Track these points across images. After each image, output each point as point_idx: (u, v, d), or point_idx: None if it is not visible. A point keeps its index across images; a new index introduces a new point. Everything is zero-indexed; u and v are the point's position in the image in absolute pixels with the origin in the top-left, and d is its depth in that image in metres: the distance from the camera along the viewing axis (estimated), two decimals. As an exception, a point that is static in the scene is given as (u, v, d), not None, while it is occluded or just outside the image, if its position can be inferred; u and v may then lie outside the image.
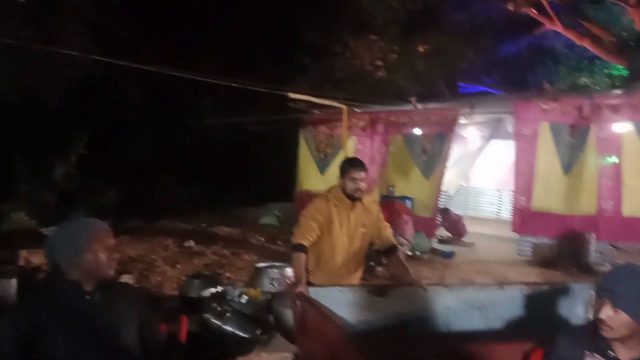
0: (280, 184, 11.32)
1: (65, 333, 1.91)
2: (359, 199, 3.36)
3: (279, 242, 8.72)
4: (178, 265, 6.99)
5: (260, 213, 10.92)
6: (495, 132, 9.53)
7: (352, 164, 3.37)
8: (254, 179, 13.31)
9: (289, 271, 5.17)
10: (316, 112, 10.13)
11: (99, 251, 2.03)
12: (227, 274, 6.62)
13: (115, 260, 2.11)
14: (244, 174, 13.53)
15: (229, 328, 4.08)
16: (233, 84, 8.43)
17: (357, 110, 9.65)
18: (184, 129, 14.03)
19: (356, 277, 3.56)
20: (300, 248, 3.24)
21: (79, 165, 10.22)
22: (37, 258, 6.88)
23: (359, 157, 6.14)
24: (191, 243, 8.19)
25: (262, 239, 8.88)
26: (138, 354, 2.08)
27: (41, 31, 10.13)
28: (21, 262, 6.59)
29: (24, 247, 7.40)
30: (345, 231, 3.37)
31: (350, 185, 3.30)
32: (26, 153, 9.43)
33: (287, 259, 5.77)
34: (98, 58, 8.98)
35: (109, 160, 11.84)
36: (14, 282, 5.11)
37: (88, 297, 2.03)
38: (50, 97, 11.28)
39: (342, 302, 3.11)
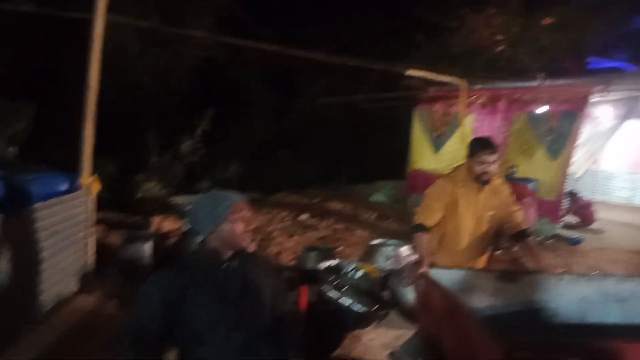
0: (392, 162, 11.22)
1: (203, 299, 2.00)
2: (487, 182, 3.21)
3: (390, 220, 8.67)
4: (294, 237, 7.22)
5: (371, 190, 10.93)
6: (629, 111, 8.70)
7: (481, 145, 3.19)
8: (365, 157, 13.33)
9: (404, 249, 5.11)
10: (432, 89, 9.83)
11: (236, 222, 2.09)
12: (341, 249, 6.72)
13: (251, 232, 2.17)
14: (356, 151, 13.60)
15: (346, 301, 4.14)
16: (349, 63, 8.41)
17: (476, 86, 9.22)
18: (299, 108, 14.37)
19: (481, 261, 3.43)
20: (423, 228, 3.17)
21: (204, 140, 10.85)
22: (167, 224, 7.46)
23: (477, 135, 5.87)
24: (306, 216, 8.41)
25: (373, 216, 8.89)
26: (269, 322, 2.16)
27: (170, 14, 10.79)
28: (153, 228, 7.19)
29: (155, 214, 8.06)
30: (471, 213, 3.24)
31: (477, 168, 3.16)
32: (158, 129, 10.17)
33: (399, 237, 5.73)
34: (222, 39, 9.40)
35: (231, 137, 12.46)
36: (148, 245, 5.60)
37: (225, 265, 2.11)
38: (179, 77, 12.08)
39: (466, 285, 3.02)
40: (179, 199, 8.07)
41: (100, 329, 4.24)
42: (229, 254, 2.12)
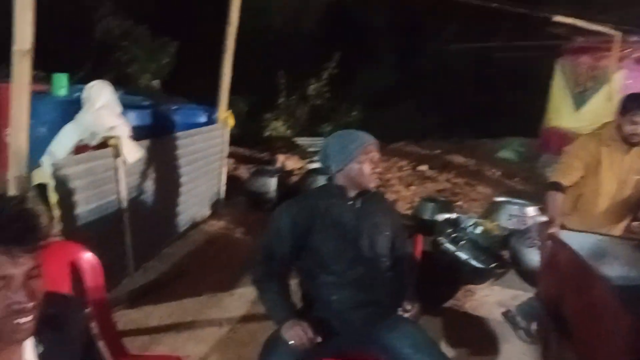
0: (524, 118, 10.50)
1: (329, 230, 2.11)
2: (637, 144, 2.90)
3: (517, 179, 8.24)
4: (412, 187, 7.17)
5: (498, 146, 10.39)
6: None
7: (637, 103, 2.87)
8: (495, 110, 12.60)
9: (530, 210, 4.86)
10: (580, 39, 8.91)
11: (365, 162, 2.13)
12: (460, 203, 6.57)
13: (377, 174, 2.20)
14: (485, 104, 12.90)
15: (462, 255, 4.07)
16: (485, 5, 7.85)
17: (631, 38, 8.19)
18: (427, 54, 13.84)
19: (618, 229, 3.17)
20: (558, 187, 2.98)
21: (329, 84, 10.95)
22: (291, 163, 7.78)
23: (627, 92, 5.26)
24: (425, 167, 8.27)
25: (499, 173, 8.50)
26: (389, 260, 2.21)
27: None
28: (278, 165, 7.55)
29: (280, 152, 8.42)
30: (614, 175, 2.97)
31: (628, 127, 2.86)
32: (287, 70, 10.41)
33: (525, 197, 5.44)
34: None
35: (355, 81, 12.42)
36: (273, 180, 5.90)
37: (350, 202, 2.18)
38: (308, 19, 12.17)
39: (598, 251, 2.83)
40: (303, 140, 8.32)
41: (227, 250, 4.63)
42: (354, 192, 2.18)
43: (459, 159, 9.25)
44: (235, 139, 7.34)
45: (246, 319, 3.40)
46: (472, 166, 8.89)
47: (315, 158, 6.67)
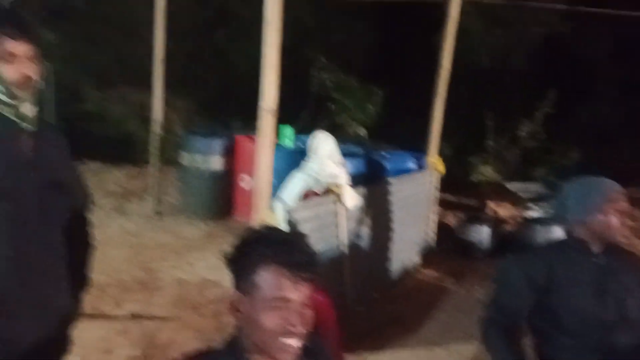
0: None
1: (574, 289, 1.91)
2: None
3: None
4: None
5: None
6: None
7: None
8: None
9: None
10: None
11: (611, 213, 1.91)
12: None
13: (626, 226, 1.94)
14: None
15: None
16: None
17: None
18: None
19: None
20: None
21: (544, 124, 10.22)
22: (503, 210, 7.35)
23: None
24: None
25: None
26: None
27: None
28: (489, 212, 7.19)
29: (491, 198, 8.03)
30: None
31: None
32: (495, 111, 10.02)
33: None
34: (572, 9, 8.56)
35: (572, 119, 11.38)
36: (486, 229, 5.63)
37: (594, 259, 1.95)
38: (518, 56, 11.60)
39: None
40: (514, 185, 7.83)
41: (439, 300, 4.50)
42: (598, 247, 1.96)
43: None
44: (440, 184, 7.24)
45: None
46: None
47: (530, 205, 6.21)
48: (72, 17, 9.19)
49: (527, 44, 11.97)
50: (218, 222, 6.18)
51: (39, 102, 1.70)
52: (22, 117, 1.63)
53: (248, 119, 8.42)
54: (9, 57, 1.56)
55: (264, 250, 1.20)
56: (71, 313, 1.83)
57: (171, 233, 5.81)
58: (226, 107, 9.74)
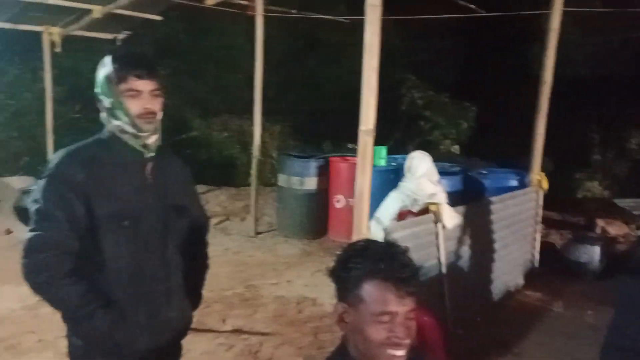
0: None
1: None
2: None
3: None
4: None
5: None
6: None
7: None
8: None
9: None
10: None
11: None
12: None
13: None
14: None
15: None
16: None
17: None
18: None
19: None
20: None
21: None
22: (613, 228, 6.83)
23: None
24: None
25: None
26: None
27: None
28: (599, 230, 6.71)
29: (599, 216, 7.49)
30: None
31: None
32: (600, 123, 9.44)
33: None
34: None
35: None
36: (597, 248, 5.27)
37: None
38: (619, 63, 10.82)
39: None
40: (625, 202, 7.28)
41: (546, 325, 4.26)
42: None
43: None
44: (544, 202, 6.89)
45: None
46: None
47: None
48: (177, 52, 9.92)
49: (629, 51, 11.16)
50: (313, 241, 6.33)
51: (160, 131, 1.84)
52: (145, 146, 1.77)
53: (338, 140, 8.60)
54: (135, 93, 1.71)
55: (368, 264, 1.23)
56: (182, 326, 1.94)
57: (270, 252, 6.03)
58: (317, 130, 10.01)
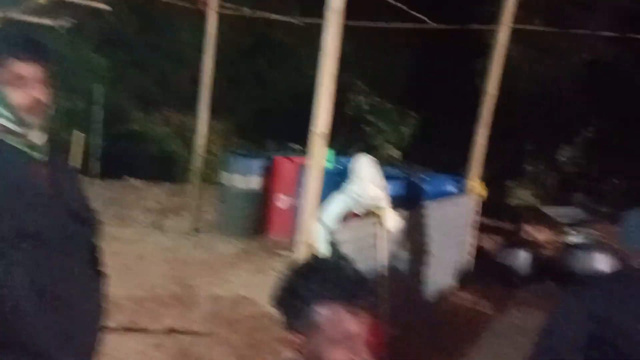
0: None
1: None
2: None
3: None
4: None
5: None
6: None
7: None
8: None
9: None
10: None
11: None
12: None
13: None
14: None
15: None
16: None
17: None
18: None
19: None
20: None
21: (584, 150, 10.05)
22: (539, 235, 7.18)
23: None
24: None
25: None
26: None
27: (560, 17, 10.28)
28: (525, 236, 7.03)
29: (528, 222, 7.85)
30: None
31: None
32: (534, 136, 9.91)
33: None
34: (613, 35, 8.40)
35: (613, 146, 11.10)
36: (525, 254, 5.53)
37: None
38: (559, 82, 11.43)
39: None
40: (552, 210, 7.68)
41: (479, 326, 4.42)
42: None
43: None
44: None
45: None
46: None
47: (568, 230, 6.09)
48: (123, 42, 9.59)
49: (569, 71, 11.79)
50: (253, 240, 6.25)
51: (50, 129, 1.56)
52: (32, 147, 1.48)
53: (282, 141, 8.60)
54: (17, 81, 1.42)
55: (317, 288, 1.16)
56: (95, 344, 1.70)
57: (207, 250, 5.89)
58: (261, 129, 9.95)
